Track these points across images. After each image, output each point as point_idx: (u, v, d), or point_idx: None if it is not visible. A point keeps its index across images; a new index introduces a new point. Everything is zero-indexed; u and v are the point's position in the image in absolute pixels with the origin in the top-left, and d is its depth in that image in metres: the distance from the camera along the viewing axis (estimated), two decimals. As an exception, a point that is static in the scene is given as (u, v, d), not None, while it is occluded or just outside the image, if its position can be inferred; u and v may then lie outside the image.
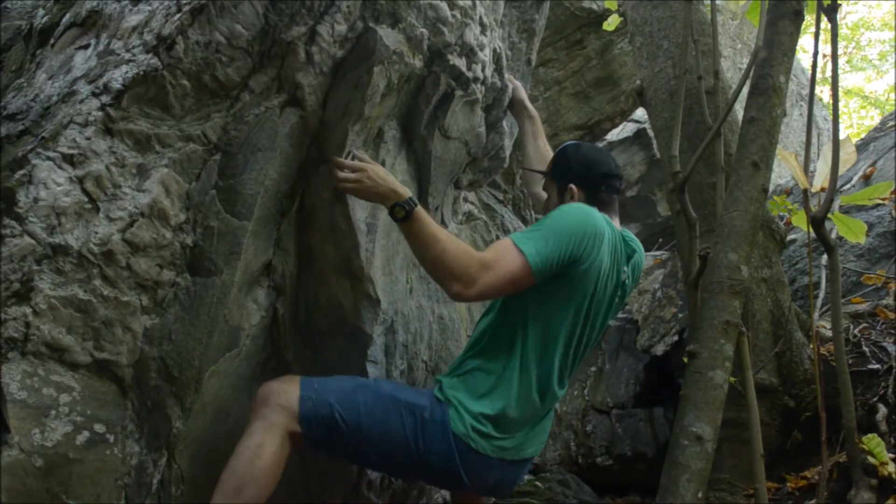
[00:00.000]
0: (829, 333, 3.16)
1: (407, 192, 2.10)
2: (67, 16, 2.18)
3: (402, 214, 2.07)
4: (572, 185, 2.43)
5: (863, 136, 6.53)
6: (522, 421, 2.22)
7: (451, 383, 2.21)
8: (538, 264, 2.08)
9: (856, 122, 16.70)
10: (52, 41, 2.17)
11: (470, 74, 2.44)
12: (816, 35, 2.66)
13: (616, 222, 2.42)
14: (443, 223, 2.85)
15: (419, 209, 2.09)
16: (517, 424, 2.21)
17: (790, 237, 4.43)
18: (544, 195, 2.61)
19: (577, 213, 2.21)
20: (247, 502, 1.92)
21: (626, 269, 2.36)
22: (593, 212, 2.24)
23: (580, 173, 2.45)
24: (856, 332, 3.27)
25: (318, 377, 2.15)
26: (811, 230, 2.42)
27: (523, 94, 2.94)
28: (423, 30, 2.26)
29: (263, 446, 1.97)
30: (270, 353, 2.33)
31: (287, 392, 2.06)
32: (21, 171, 1.79)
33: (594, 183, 2.43)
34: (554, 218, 2.20)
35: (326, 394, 2.08)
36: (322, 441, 2.09)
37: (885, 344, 3.14)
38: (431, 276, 2.17)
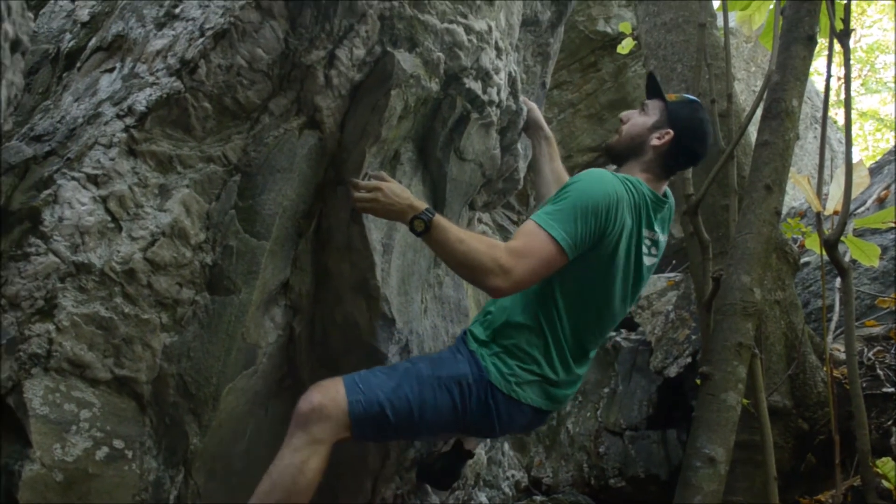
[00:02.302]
0: (843, 356, 3.16)
1: (423, 204, 2.12)
2: (94, 40, 2.23)
3: (422, 227, 2.08)
4: (670, 131, 2.40)
5: (878, 158, 6.52)
6: (563, 384, 2.30)
7: (491, 353, 2.24)
8: (570, 246, 2.09)
9: (871, 145, 16.65)
10: (78, 65, 2.22)
11: (485, 97, 2.47)
12: (829, 60, 2.68)
13: (661, 190, 2.41)
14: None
15: (437, 218, 2.09)
16: (557, 386, 2.28)
17: (804, 260, 4.42)
18: None
19: (598, 184, 2.18)
20: None
21: (654, 229, 2.35)
22: (610, 177, 2.22)
23: (685, 132, 2.41)
24: (870, 355, 3.26)
25: (357, 374, 2.13)
26: (824, 253, 2.43)
27: (539, 116, 2.96)
28: (440, 54, 2.30)
29: (308, 463, 1.95)
30: (287, 371, 2.36)
31: (333, 402, 2.02)
32: (47, 191, 1.84)
33: (684, 151, 2.42)
34: (577, 193, 2.16)
35: (373, 392, 2.08)
36: (373, 436, 2.13)
37: (899, 367, 3.13)
38: (467, 279, 2.17)
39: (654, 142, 2.40)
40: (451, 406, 2.15)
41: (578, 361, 2.33)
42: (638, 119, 2.48)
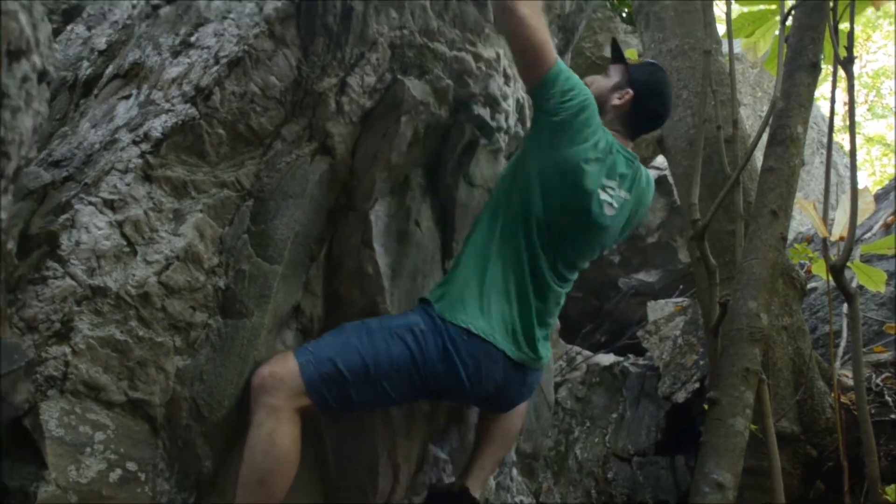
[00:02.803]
0: (851, 382, 3.16)
1: None
2: (111, 68, 2.28)
3: None
4: (629, 90, 2.46)
5: (885, 184, 6.54)
6: (507, 315, 2.27)
7: (436, 296, 2.27)
8: (559, 73, 2.17)
9: (878, 170, 16.67)
10: (95, 92, 2.27)
11: (494, 124, 2.51)
12: (833, 88, 2.71)
13: (629, 147, 2.47)
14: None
15: None
16: (502, 314, 2.26)
17: (811, 285, 4.43)
18: None
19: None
20: (272, 493, 1.95)
21: (615, 179, 2.37)
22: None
23: (645, 92, 2.48)
24: (878, 381, 3.26)
25: (307, 343, 2.16)
26: (830, 279, 2.44)
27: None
28: (449, 81, 2.34)
29: (275, 433, 1.97)
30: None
31: (283, 368, 2.05)
32: (64, 216, 1.87)
33: (645, 111, 2.49)
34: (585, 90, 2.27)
35: (322, 351, 2.09)
36: (336, 401, 2.09)
37: (907, 393, 3.13)
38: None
39: (615, 101, 2.47)
40: (407, 354, 2.13)
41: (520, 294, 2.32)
42: (600, 81, 2.54)
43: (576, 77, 2.26)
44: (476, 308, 2.21)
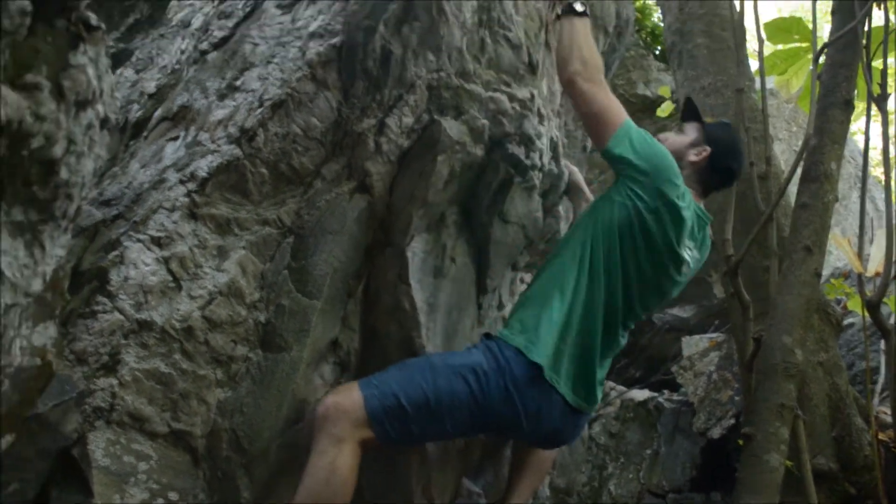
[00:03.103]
0: (890, 419, 3.12)
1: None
2: (160, 111, 2.38)
3: (583, 9, 2.46)
4: (707, 147, 2.53)
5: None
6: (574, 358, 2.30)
7: (510, 329, 2.31)
8: (623, 137, 2.31)
9: (917, 204, 16.42)
10: (145, 133, 2.36)
11: (528, 162, 2.56)
12: (867, 126, 2.72)
13: (701, 205, 2.52)
14: (500, 304, 2.94)
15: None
16: (571, 359, 2.29)
17: (848, 321, 4.38)
18: None
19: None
20: None
21: (694, 247, 2.43)
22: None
23: (722, 150, 2.55)
24: (917, 418, 3.21)
25: (373, 374, 2.19)
26: (867, 314, 2.44)
27: (580, 179, 3.04)
28: (485, 121, 2.40)
29: (336, 461, 1.99)
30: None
31: (348, 399, 2.08)
32: (114, 252, 1.95)
33: (720, 168, 2.55)
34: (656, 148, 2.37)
35: (387, 385, 2.12)
36: (396, 434, 2.12)
37: (948, 431, 3.09)
38: (564, 55, 2.43)
39: (693, 157, 2.52)
40: (468, 392, 2.15)
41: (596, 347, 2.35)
42: (675, 138, 2.60)
43: (645, 136, 2.36)
44: (551, 349, 2.25)
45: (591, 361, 2.33)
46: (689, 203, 2.35)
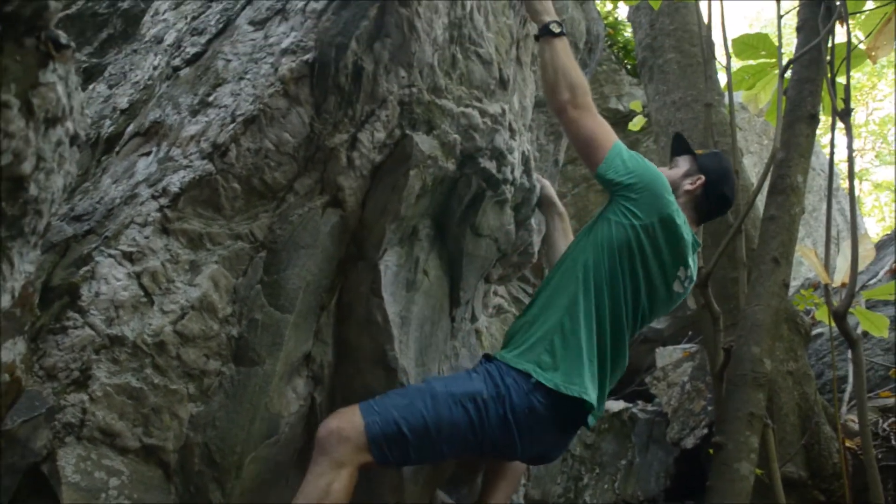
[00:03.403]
0: (857, 427, 3.17)
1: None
2: (132, 126, 2.38)
3: (558, 30, 2.45)
4: (701, 176, 2.58)
5: (892, 229, 6.57)
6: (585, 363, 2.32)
7: (513, 352, 2.33)
8: (615, 159, 2.35)
9: (887, 216, 16.69)
10: (117, 149, 2.36)
11: (500, 176, 2.58)
12: (832, 140, 2.78)
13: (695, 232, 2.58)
14: (474, 316, 2.96)
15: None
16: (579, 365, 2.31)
17: (817, 331, 4.46)
18: None
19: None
20: None
21: (690, 268, 2.49)
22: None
23: (716, 179, 2.60)
24: (884, 426, 3.27)
25: (373, 399, 2.21)
26: (834, 324, 2.48)
27: (552, 193, 3.08)
28: (456, 136, 2.42)
29: (333, 485, 2.01)
30: (307, 440, 2.41)
31: (349, 424, 2.10)
32: (85, 268, 1.95)
33: (715, 196, 2.60)
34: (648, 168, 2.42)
35: (388, 412, 2.14)
36: (394, 458, 2.15)
37: (914, 438, 3.14)
38: (551, 82, 2.43)
39: (688, 186, 2.58)
40: (467, 421, 2.19)
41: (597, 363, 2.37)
42: (669, 172, 2.66)
43: (636, 157, 2.41)
44: (587, 375, 2.27)
45: (605, 378, 2.39)
46: (684, 220, 2.42)
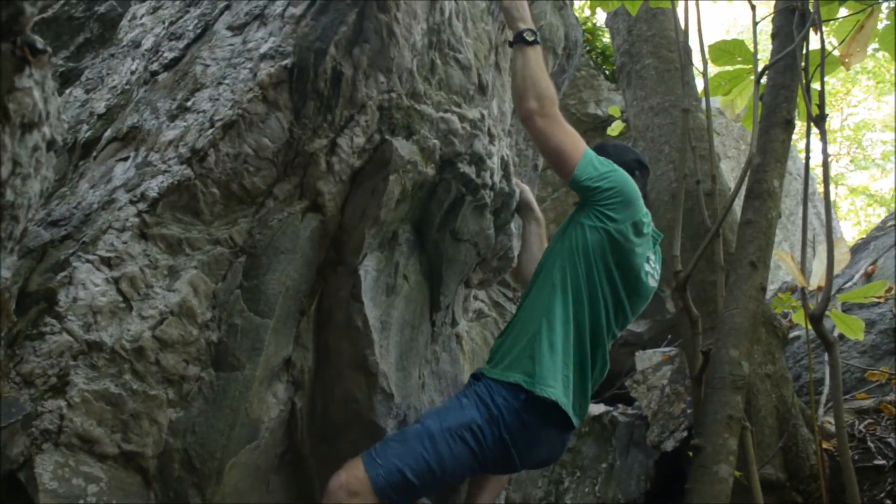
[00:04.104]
0: (834, 429, 3.20)
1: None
2: (109, 131, 2.37)
3: (532, 38, 2.48)
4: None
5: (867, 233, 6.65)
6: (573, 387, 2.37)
7: (499, 365, 2.37)
8: (587, 166, 2.39)
9: (863, 220, 16.88)
10: (94, 154, 2.35)
11: (479, 181, 2.60)
12: (808, 145, 2.80)
13: None
14: (454, 321, 2.96)
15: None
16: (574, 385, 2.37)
17: (794, 334, 4.50)
18: None
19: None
20: None
21: (655, 260, 2.59)
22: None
23: (617, 160, 2.64)
24: (861, 427, 3.31)
25: (374, 448, 2.24)
26: (810, 327, 2.51)
27: (530, 198, 3.09)
28: (436, 141, 2.43)
29: None
30: (287, 445, 2.41)
31: (356, 479, 2.14)
32: (62, 273, 1.94)
33: (629, 168, 2.63)
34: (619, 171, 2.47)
35: (390, 462, 2.17)
36: (403, 500, 2.20)
37: (889, 439, 3.18)
38: (520, 90, 2.45)
39: None
40: (468, 453, 2.24)
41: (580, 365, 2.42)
42: None
43: (606, 163, 2.47)
44: (560, 379, 2.31)
45: (586, 380, 2.43)
46: (650, 220, 2.50)
